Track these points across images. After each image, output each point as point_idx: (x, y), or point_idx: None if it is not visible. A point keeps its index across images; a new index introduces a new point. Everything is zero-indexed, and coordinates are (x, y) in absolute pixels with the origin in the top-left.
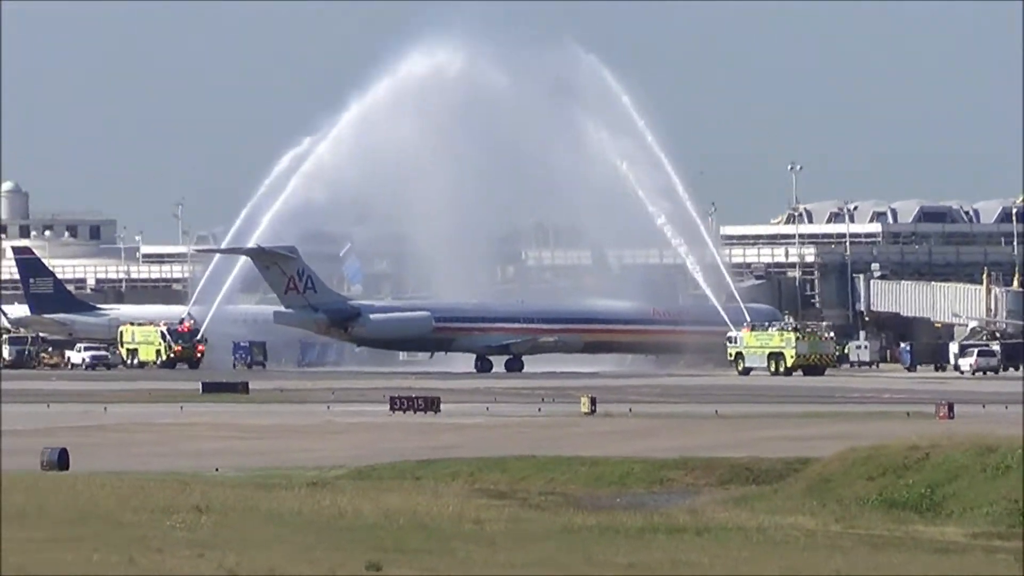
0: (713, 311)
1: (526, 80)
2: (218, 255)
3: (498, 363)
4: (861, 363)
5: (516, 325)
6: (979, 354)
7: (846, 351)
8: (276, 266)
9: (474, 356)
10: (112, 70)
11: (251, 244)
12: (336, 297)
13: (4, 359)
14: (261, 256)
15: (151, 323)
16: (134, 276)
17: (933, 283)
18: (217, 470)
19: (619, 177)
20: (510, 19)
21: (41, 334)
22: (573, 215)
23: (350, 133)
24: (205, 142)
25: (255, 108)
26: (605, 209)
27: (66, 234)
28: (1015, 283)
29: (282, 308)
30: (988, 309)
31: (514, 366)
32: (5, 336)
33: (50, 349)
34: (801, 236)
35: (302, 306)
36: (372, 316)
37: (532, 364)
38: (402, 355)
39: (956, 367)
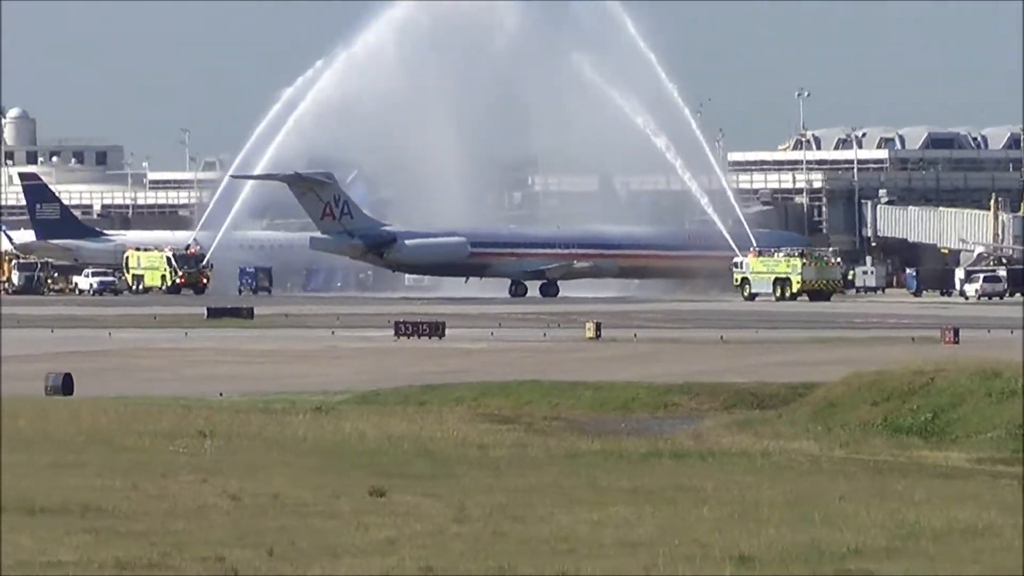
0: (744, 236)
1: (530, 9)
2: (226, 179)
3: (533, 288)
4: (867, 288)
5: (551, 251)
6: (985, 280)
7: (852, 277)
8: (312, 192)
9: (509, 281)
10: None
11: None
12: (372, 223)
13: (14, 284)
14: (298, 182)
15: (157, 249)
16: (140, 202)
17: (940, 209)
18: (221, 395)
19: (625, 103)
20: None
21: (48, 260)
22: (580, 143)
23: (357, 62)
24: (212, 68)
25: (263, 33)
26: (611, 136)
27: (73, 160)
28: (1022, 209)
29: (318, 234)
30: (995, 235)
31: (549, 291)
32: (14, 262)
33: (56, 275)
34: (808, 162)
35: (338, 232)
36: (407, 242)
37: (568, 289)
38: (408, 280)
39: (962, 292)
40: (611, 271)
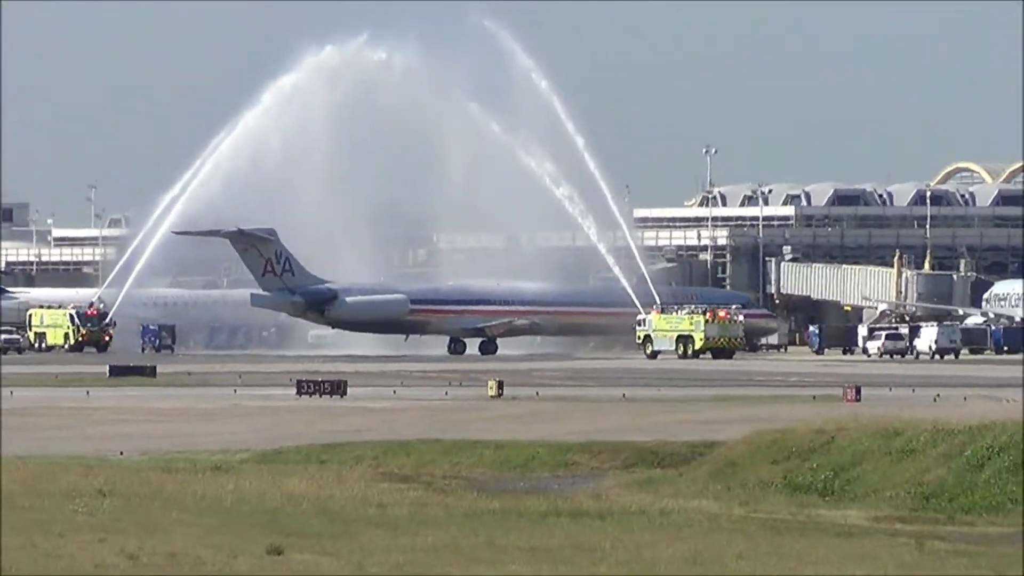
0: (683, 294)
1: (433, 62)
2: (139, 237)
3: (472, 346)
4: (770, 346)
5: (491, 308)
6: (887, 337)
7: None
8: (254, 248)
9: (447, 339)
10: (23, 52)
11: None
12: (313, 279)
13: None
14: (240, 239)
15: (60, 306)
16: (45, 259)
17: (844, 266)
18: (122, 454)
19: (531, 160)
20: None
21: None
22: (485, 200)
23: (261, 123)
24: (119, 125)
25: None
26: (517, 194)
27: None
28: (926, 266)
29: (259, 290)
30: (898, 292)
31: (488, 349)
32: None
33: None
34: (714, 219)
35: (279, 288)
36: (348, 299)
37: (506, 347)
38: (310, 337)
39: (864, 350)
40: (551, 328)
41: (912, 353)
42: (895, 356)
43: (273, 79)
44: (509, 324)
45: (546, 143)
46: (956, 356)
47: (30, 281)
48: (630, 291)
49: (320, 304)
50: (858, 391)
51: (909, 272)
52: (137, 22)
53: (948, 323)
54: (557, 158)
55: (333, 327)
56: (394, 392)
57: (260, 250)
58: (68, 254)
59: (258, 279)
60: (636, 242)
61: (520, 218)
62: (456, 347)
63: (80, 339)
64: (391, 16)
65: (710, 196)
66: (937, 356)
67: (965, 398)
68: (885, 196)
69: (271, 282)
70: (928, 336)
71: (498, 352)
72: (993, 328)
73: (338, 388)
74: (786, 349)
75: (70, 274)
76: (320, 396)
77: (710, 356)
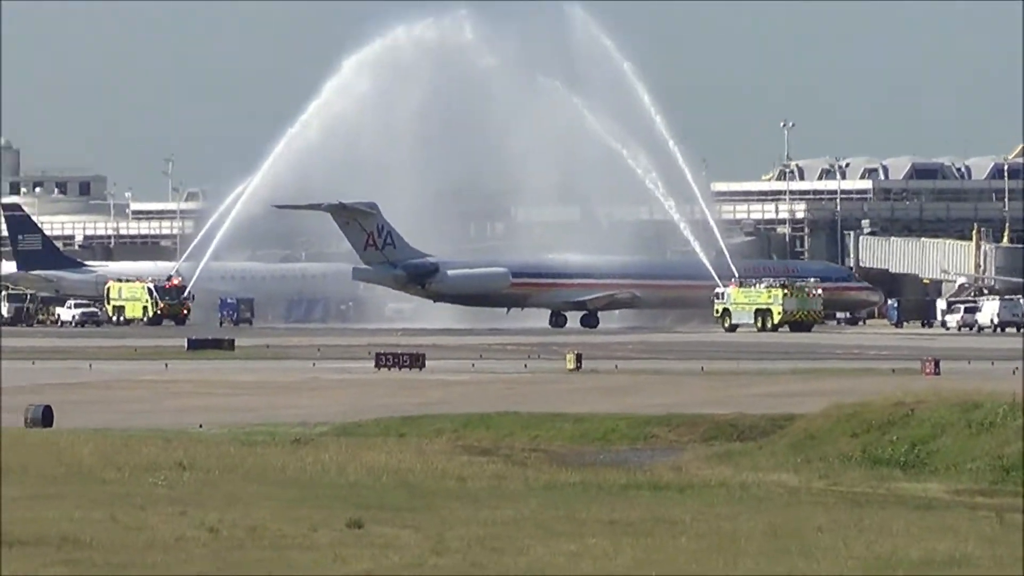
0: (782, 268)
1: (514, 39)
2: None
3: (573, 319)
4: (848, 319)
5: (592, 281)
6: (966, 311)
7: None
8: (355, 222)
9: (549, 312)
10: (104, 26)
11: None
12: (414, 253)
13: (3, 316)
14: (341, 212)
15: (138, 280)
16: (123, 232)
17: (922, 239)
18: (201, 427)
19: (608, 135)
20: None
21: (36, 292)
22: (562, 174)
23: (342, 97)
24: (197, 100)
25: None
26: (595, 167)
27: (56, 191)
28: (1004, 239)
29: (361, 264)
30: (977, 265)
31: (589, 322)
32: (4, 293)
33: (43, 306)
34: (792, 193)
35: (381, 262)
36: (450, 272)
37: (608, 320)
38: (389, 310)
39: (943, 323)
40: (652, 301)
41: (974, 327)
42: (974, 329)
43: (354, 52)
44: (611, 298)
45: (623, 118)
46: (1018, 330)
47: (108, 255)
48: (731, 264)
49: (422, 277)
50: (937, 364)
51: (988, 245)
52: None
53: (1009, 297)
54: (634, 132)
55: (434, 300)
56: (473, 365)
57: (362, 223)
58: (146, 227)
59: (359, 252)
60: (714, 216)
61: (596, 191)
62: (557, 320)
63: (159, 312)
64: None
65: (788, 170)
66: (999, 330)
67: None
68: (963, 169)
69: (373, 255)
70: (990, 310)
71: (599, 326)
72: None
73: (417, 361)
74: (864, 323)
75: (148, 247)
76: (399, 369)
77: (788, 329)
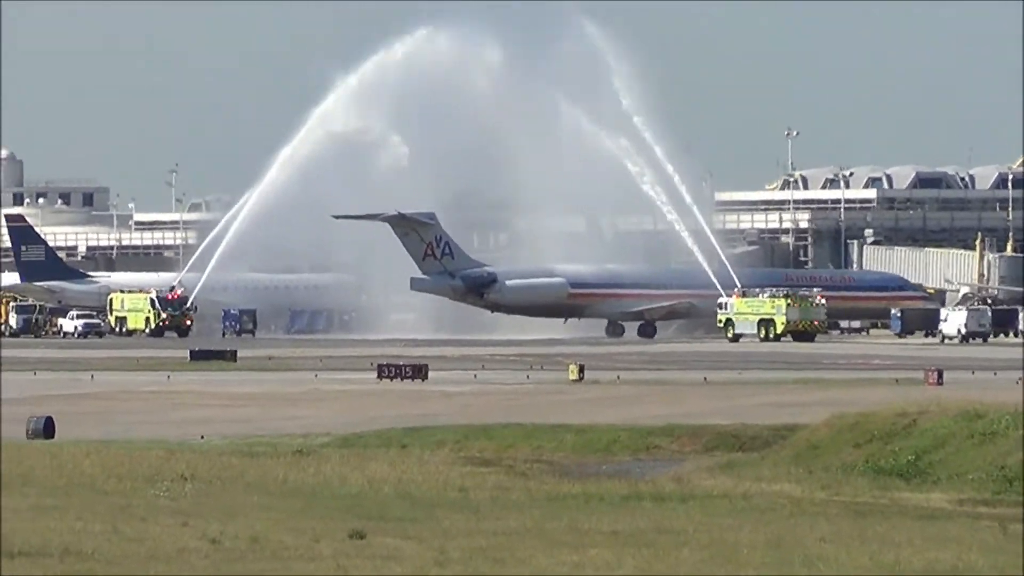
0: (836, 277)
1: (519, 50)
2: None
3: (631, 329)
4: (851, 329)
5: (649, 291)
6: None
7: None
8: (415, 232)
9: (606, 322)
10: (107, 38)
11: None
12: (473, 263)
13: (11, 327)
14: (400, 223)
15: (141, 291)
16: (126, 243)
17: (926, 248)
18: (203, 438)
19: (612, 145)
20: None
21: (39, 302)
22: (566, 184)
23: (343, 109)
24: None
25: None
26: (597, 177)
27: (59, 201)
28: (1008, 248)
29: (419, 274)
30: (980, 275)
31: (647, 332)
32: (12, 304)
33: (48, 317)
34: (796, 202)
35: (439, 272)
36: (508, 283)
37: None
38: (392, 321)
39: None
40: (709, 312)
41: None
42: (977, 339)
43: (357, 64)
44: (670, 308)
45: (626, 128)
46: (984, 340)
47: (111, 265)
48: (784, 273)
49: (480, 288)
50: (940, 374)
51: (991, 255)
52: (219, 8)
53: (975, 308)
54: (638, 142)
55: (492, 311)
56: (475, 376)
57: (420, 234)
58: (149, 238)
59: (418, 263)
60: (714, 226)
61: (600, 202)
62: (614, 330)
63: (161, 323)
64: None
65: (791, 179)
66: (966, 340)
67: None
68: (967, 179)
69: (431, 266)
70: (956, 320)
71: (655, 336)
72: None
73: (419, 372)
74: (868, 332)
75: (151, 258)
76: (401, 380)
77: (791, 339)
